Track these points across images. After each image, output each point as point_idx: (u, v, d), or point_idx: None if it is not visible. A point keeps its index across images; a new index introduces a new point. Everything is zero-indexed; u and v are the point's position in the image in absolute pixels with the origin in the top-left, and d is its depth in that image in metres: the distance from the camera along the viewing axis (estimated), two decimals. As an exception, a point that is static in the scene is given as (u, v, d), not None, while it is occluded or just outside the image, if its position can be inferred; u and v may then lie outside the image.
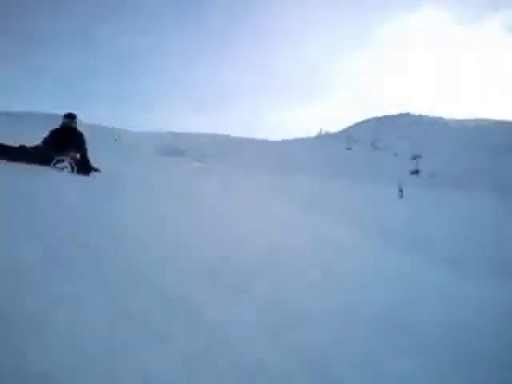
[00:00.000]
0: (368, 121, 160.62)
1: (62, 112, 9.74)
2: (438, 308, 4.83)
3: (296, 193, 20.86)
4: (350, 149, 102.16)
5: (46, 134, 9.53)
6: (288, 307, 4.07)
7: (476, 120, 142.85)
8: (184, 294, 3.82)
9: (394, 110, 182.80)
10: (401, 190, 29.61)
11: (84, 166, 9.34)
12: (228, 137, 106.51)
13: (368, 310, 4.37)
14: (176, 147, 57.30)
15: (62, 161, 8.92)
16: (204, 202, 10.21)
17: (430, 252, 10.26)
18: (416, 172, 78.79)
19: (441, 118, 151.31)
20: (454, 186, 59.01)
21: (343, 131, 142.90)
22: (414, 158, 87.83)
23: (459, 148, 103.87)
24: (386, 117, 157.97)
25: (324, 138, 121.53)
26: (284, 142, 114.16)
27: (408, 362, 3.39)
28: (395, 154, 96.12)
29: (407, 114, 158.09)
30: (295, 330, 3.63)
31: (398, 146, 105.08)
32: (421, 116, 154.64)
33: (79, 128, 9.71)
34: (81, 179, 8.71)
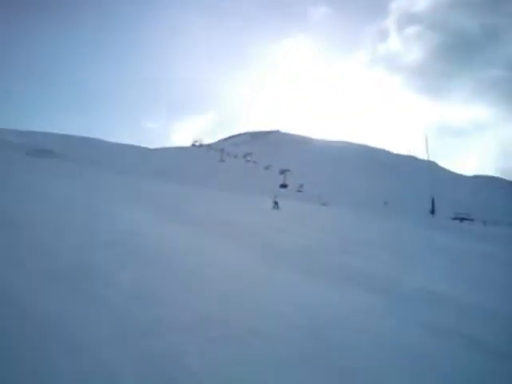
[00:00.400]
0: (241, 135, 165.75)
1: None
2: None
3: (159, 202, 20.46)
4: (223, 161, 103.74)
5: None
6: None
7: (341, 142, 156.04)
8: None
9: (265, 127, 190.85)
10: (275, 202, 30.71)
11: None
12: (102, 141, 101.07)
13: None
14: (47, 148, 52.79)
15: None
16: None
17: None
18: (285, 186, 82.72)
19: (307, 137, 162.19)
20: (318, 199, 63.15)
21: (217, 143, 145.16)
22: (283, 172, 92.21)
23: (324, 165, 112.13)
24: (258, 132, 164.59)
25: (198, 150, 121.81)
26: (160, 151, 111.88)
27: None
28: (267, 168, 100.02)
29: (277, 132, 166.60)
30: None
31: (268, 160, 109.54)
32: (289, 134, 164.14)
33: None
34: None
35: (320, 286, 7.84)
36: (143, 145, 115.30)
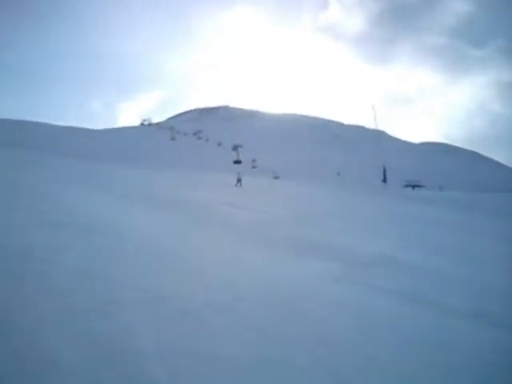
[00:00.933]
0: (189, 112, 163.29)
1: None
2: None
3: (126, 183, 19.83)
4: (175, 139, 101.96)
5: None
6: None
7: (290, 114, 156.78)
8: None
9: (214, 103, 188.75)
10: (239, 179, 30.59)
11: None
12: (40, 124, 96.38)
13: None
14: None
15: None
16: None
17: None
18: (239, 162, 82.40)
19: (258, 111, 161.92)
20: (272, 174, 63.50)
21: (166, 121, 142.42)
22: (235, 148, 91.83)
23: (275, 139, 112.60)
24: (207, 109, 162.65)
25: (148, 129, 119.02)
26: (107, 132, 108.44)
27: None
28: (219, 144, 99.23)
29: (227, 107, 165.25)
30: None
31: (220, 136, 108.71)
32: (238, 109, 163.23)
33: None
34: None
35: (278, 258, 7.81)
36: (88, 126, 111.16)
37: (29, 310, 3.65)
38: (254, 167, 76.46)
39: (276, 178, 55.24)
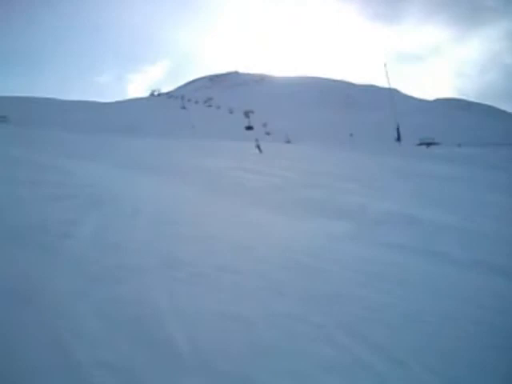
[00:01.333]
0: (199, 80, 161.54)
1: None
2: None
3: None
4: (185, 108, 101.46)
5: None
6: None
7: (300, 77, 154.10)
8: None
9: (223, 69, 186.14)
10: (258, 146, 30.57)
11: None
12: (54, 100, 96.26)
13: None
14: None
15: None
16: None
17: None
18: (250, 128, 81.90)
19: (267, 75, 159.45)
20: (284, 138, 63.12)
21: (176, 90, 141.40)
22: (247, 114, 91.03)
23: (286, 102, 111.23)
24: (216, 76, 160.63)
25: (158, 99, 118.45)
26: (117, 104, 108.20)
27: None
28: (230, 111, 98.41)
29: (236, 73, 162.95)
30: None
31: (230, 103, 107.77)
32: (248, 74, 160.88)
33: None
34: None
35: (290, 220, 7.89)
36: (98, 100, 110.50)
37: (48, 279, 3.80)
38: (267, 133, 75.48)
39: (288, 142, 54.88)
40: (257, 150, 30.20)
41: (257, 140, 32.31)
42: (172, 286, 3.94)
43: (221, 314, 3.55)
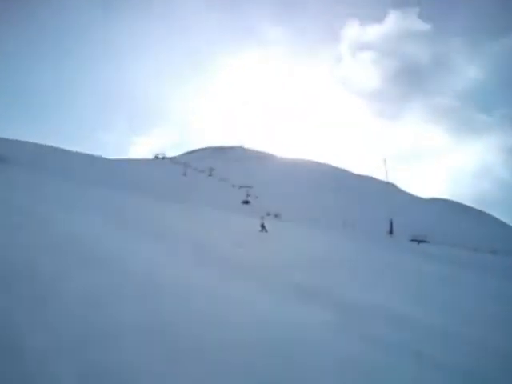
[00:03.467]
0: (204, 149, 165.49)
1: None
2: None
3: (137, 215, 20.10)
4: (186, 175, 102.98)
5: None
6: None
7: (303, 160, 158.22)
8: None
9: (228, 142, 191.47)
10: (262, 225, 26.99)
11: None
12: (61, 150, 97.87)
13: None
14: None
15: None
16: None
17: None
18: (247, 202, 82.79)
19: (270, 154, 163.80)
20: (281, 217, 63.69)
21: (180, 157, 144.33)
22: (245, 189, 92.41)
23: (287, 183, 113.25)
24: (221, 148, 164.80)
25: (161, 162, 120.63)
26: (121, 161, 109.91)
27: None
28: (233, 186, 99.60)
29: (241, 148, 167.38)
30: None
31: (231, 175, 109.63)
32: (252, 150, 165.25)
33: None
34: None
35: (278, 303, 7.84)
36: (103, 155, 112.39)
37: (33, 333, 3.77)
38: (268, 215, 74.23)
39: (276, 216, 55.45)
40: (261, 229, 26.73)
41: (262, 218, 28.99)
42: (151, 359, 3.89)
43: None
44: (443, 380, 5.33)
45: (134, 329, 4.41)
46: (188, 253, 11.38)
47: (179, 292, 6.83)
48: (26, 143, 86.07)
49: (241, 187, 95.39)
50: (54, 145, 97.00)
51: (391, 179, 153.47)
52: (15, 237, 7.75)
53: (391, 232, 60.68)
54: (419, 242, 63.25)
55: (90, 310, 4.71)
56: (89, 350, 3.70)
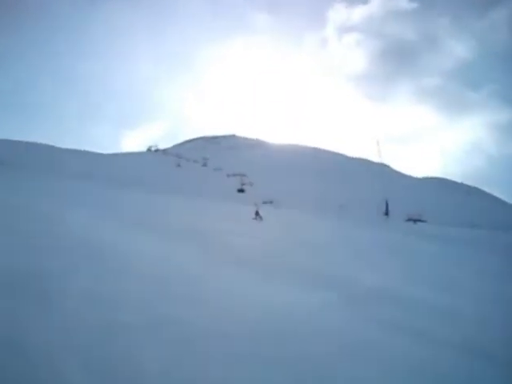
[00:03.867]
0: (196, 140, 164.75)
1: None
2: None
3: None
4: (180, 166, 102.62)
5: None
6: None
7: (295, 145, 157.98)
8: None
9: (220, 131, 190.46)
10: (257, 212, 26.56)
11: None
12: (51, 147, 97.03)
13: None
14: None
15: None
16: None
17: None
18: (242, 190, 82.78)
19: (262, 141, 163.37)
20: (276, 203, 63.73)
21: (172, 148, 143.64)
22: (241, 179, 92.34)
23: (280, 169, 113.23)
24: (213, 137, 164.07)
25: (154, 155, 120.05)
26: (113, 156, 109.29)
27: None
28: (228, 175, 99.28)
29: (233, 136, 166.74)
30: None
31: (225, 164, 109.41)
32: (245, 138, 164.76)
33: None
34: None
35: (279, 288, 7.89)
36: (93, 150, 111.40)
37: (39, 330, 3.77)
38: (265, 202, 73.77)
39: (270, 202, 55.58)
40: (255, 217, 26.55)
41: (256, 205, 28.44)
42: (159, 348, 3.91)
43: (208, 382, 3.53)
44: (448, 358, 5.39)
45: (142, 325, 4.42)
46: (193, 247, 11.36)
47: (182, 282, 6.85)
48: (13, 143, 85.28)
49: (234, 175, 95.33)
50: (44, 142, 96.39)
51: (385, 160, 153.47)
52: (18, 236, 7.69)
53: (387, 213, 60.93)
54: (415, 221, 63.71)
55: (96, 307, 4.71)
56: (94, 348, 3.69)
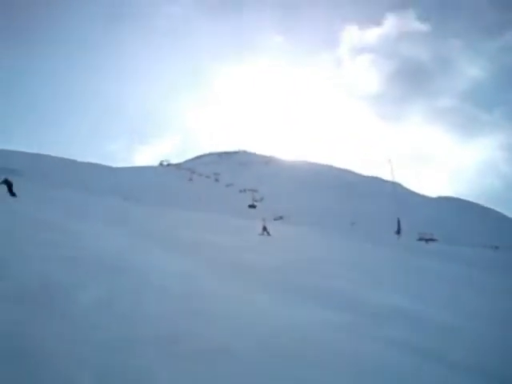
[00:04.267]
0: (208, 155, 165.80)
1: None
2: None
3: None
4: (192, 180, 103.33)
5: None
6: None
7: (307, 163, 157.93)
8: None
9: (231, 147, 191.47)
10: (264, 228, 26.60)
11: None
12: (67, 160, 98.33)
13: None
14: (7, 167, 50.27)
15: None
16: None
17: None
18: (253, 206, 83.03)
19: (273, 157, 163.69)
20: (286, 219, 63.67)
21: (184, 163, 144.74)
22: (252, 194, 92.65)
23: (291, 185, 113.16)
24: (225, 153, 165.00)
25: (167, 169, 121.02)
26: (127, 169, 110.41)
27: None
28: (241, 191, 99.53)
29: (244, 152, 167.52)
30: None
31: (236, 180, 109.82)
32: (255, 154, 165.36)
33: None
34: None
35: (288, 305, 7.89)
36: (109, 164, 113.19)
37: (52, 342, 3.83)
38: (276, 219, 72.77)
39: (280, 218, 55.40)
40: (262, 232, 26.30)
41: (264, 220, 27.93)
42: (172, 363, 3.94)
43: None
44: (462, 381, 5.36)
45: (150, 336, 4.48)
46: (201, 261, 11.44)
47: (192, 296, 6.90)
48: (33, 155, 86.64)
49: (245, 190, 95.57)
50: (62, 156, 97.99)
51: (397, 179, 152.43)
52: (31, 249, 7.82)
53: (399, 231, 60.34)
54: (427, 240, 62.96)
55: (105, 317, 4.78)
56: (105, 358, 3.75)
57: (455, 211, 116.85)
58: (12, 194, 20.75)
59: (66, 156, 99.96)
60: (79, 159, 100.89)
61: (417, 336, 7.00)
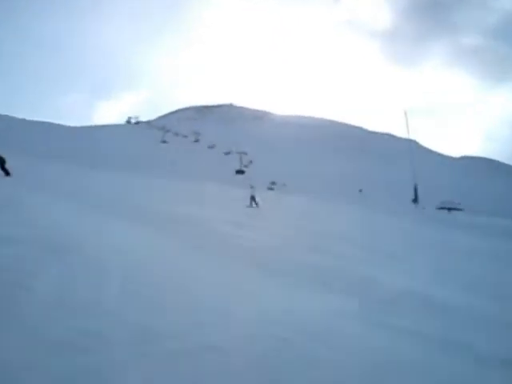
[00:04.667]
0: (185, 110, 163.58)
1: None
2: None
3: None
4: (166, 142, 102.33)
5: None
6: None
7: (307, 118, 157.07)
8: None
9: (215, 100, 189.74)
10: (253, 198, 26.95)
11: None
12: (11, 118, 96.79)
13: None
14: None
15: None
16: None
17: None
18: (241, 172, 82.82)
19: (267, 112, 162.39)
20: (282, 187, 63.74)
21: (157, 120, 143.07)
22: (240, 157, 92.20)
23: (288, 146, 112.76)
24: (205, 107, 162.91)
25: (135, 128, 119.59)
26: (86, 129, 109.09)
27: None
28: (226, 153, 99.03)
29: (230, 106, 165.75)
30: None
31: (220, 140, 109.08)
32: (244, 108, 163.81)
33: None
34: None
35: (288, 291, 7.91)
36: (64, 123, 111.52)
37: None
38: (269, 187, 73.33)
39: (271, 189, 55.52)
40: (250, 203, 26.92)
41: (252, 189, 27.79)
42: (145, 364, 3.90)
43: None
44: (479, 371, 5.43)
45: (117, 332, 4.43)
46: (182, 242, 11.41)
47: (179, 281, 6.88)
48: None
49: (231, 153, 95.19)
50: (5, 113, 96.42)
51: (413, 135, 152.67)
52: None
53: (416, 200, 60.72)
54: (449, 209, 63.44)
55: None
56: (64, 362, 3.71)
57: (483, 174, 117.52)
58: (6, 173, 19.96)
59: (6, 113, 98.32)
60: (24, 115, 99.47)
61: (435, 325, 7.05)
